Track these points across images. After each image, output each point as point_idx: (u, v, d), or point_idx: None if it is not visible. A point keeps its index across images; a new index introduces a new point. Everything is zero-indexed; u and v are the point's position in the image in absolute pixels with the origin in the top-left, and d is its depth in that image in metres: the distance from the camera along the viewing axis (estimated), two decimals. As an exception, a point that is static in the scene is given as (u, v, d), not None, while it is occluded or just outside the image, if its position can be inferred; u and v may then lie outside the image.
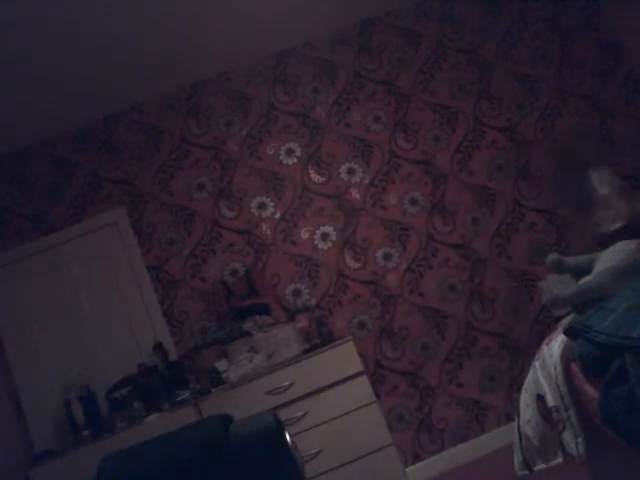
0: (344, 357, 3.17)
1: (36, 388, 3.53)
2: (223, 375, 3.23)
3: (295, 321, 3.50)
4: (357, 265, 3.78)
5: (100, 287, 3.71)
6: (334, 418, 3.10)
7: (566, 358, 1.79)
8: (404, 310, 3.72)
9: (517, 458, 2.11)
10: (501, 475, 2.89)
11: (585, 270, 1.97)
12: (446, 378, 3.65)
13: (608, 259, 1.88)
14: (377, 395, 3.50)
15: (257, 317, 3.38)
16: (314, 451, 3.03)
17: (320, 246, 3.80)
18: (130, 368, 3.40)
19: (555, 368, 1.82)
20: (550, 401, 1.85)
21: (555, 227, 3.87)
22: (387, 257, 3.78)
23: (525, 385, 2.07)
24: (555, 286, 2.26)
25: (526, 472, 2.06)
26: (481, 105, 4.03)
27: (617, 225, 2.98)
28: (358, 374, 3.16)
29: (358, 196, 3.88)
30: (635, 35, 4.06)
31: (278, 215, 3.85)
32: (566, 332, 1.76)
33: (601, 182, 3.26)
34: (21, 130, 3.69)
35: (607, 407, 1.51)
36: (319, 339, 3.38)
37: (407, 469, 3.44)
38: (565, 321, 2.09)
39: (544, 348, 1.96)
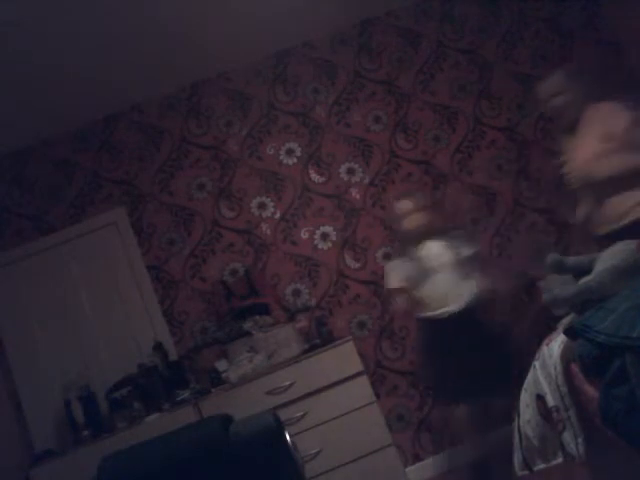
0: (344, 357, 3.17)
1: (36, 388, 3.53)
2: (223, 375, 3.23)
3: (295, 321, 3.50)
4: (357, 265, 3.78)
5: (100, 287, 3.71)
6: (334, 418, 3.10)
7: (566, 358, 1.79)
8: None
9: (517, 458, 2.11)
10: (501, 475, 2.89)
11: (585, 270, 1.96)
12: (446, 378, 3.64)
13: (608, 259, 1.88)
14: (377, 395, 3.49)
15: (257, 317, 3.38)
16: (314, 451, 3.03)
17: (320, 246, 3.80)
18: (130, 368, 3.40)
19: (555, 368, 1.82)
20: (550, 401, 1.84)
21: (555, 227, 3.86)
22: (387, 257, 3.77)
23: (525, 385, 2.07)
24: (555, 286, 2.26)
25: (526, 472, 2.06)
26: (481, 105, 4.03)
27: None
28: (358, 374, 3.16)
29: (358, 196, 3.88)
30: (635, 35, 4.06)
31: (278, 215, 3.85)
32: (566, 332, 1.76)
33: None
34: (21, 130, 3.68)
35: (607, 407, 1.51)
36: (319, 339, 3.38)
37: (407, 469, 3.44)
38: (565, 321, 2.09)
39: (544, 348, 1.96)
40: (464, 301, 2.96)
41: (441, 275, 3.00)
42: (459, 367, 2.90)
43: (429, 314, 3.02)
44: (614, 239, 2.56)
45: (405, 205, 3.18)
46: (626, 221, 2.59)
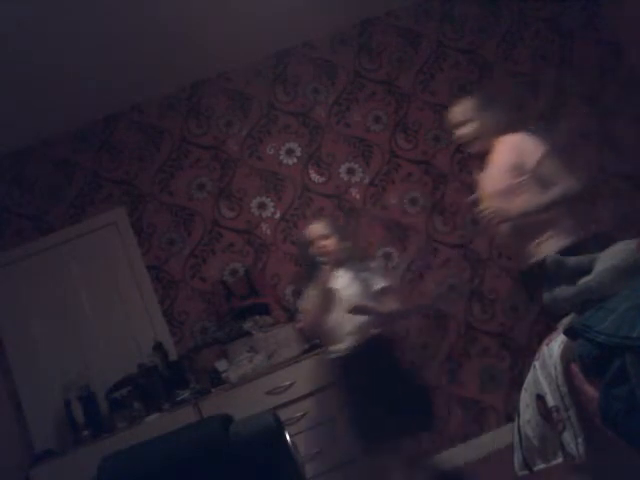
0: (344, 357, 3.17)
1: (36, 388, 3.52)
2: (223, 375, 3.23)
3: (295, 321, 3.50)
4: (357, 265, 3.77)
5: (100, 287, 3.71)
6: (334, 418, 3.09)
7: (566, 358, 1.79)
8: (404, 310, 3.71)
9: (517, 458, 2.10)
10: (501, 475, 2.89)
11: (585, 270, 1.96)
12: (446, 378, 3.64)
13: (608, 259, 1.88)
14: (377, 395, 3.49)
15: (257, 317, 3.38)
16: (314, 451, 3.02)
17: (320, 246, 3.79)
18: (130, 368, 3.40)
19: (555, 368, 1.82)
20: (550, 401, 1.85)
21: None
22: (387, 257, 3.77)
23: (525, 385, 2.07)
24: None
25: (526, 472, 2.06)
26: (481, 105, 4.02)
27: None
28: (358, 374, 3.15)
29: (358, 196, 3.88)
30: (635, 35, 4.06)
31: (278, 215, 3.84)
32: (566, 332, 1.76)
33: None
34: (21, 130, 3.68)
35: (607, 407, 1.51)
36: (319, 339, 3.38)
37: (407, 469, 3.44)
38: (565, 321, 2.09)
39: (544, 348, 1.96)
40: (359, 337, 2.74)
41: (345, 308, 2.75)
42: (366, 407, 2.65)
43: (330, 350, 2.86)
44: (530, 276, 2.54)
45: (315, 230, 2.93)
46: (537, 258, 2.53)
